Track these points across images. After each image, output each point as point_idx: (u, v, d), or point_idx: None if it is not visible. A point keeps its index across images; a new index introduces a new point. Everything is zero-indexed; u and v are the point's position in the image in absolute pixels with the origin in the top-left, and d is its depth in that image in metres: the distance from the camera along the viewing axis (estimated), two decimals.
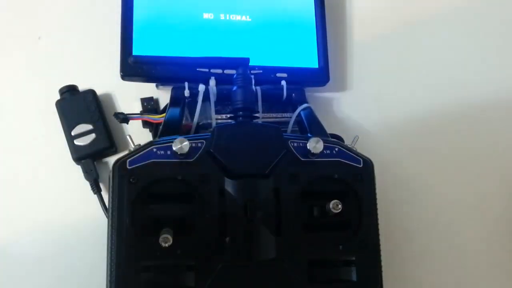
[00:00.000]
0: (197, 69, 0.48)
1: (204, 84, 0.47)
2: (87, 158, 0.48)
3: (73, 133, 0.48)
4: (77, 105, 0.49)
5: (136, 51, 0.48)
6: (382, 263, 0.42)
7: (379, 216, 0.42)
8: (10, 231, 0.47)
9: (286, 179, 0.41)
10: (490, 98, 0.57)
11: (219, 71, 0.48)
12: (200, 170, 0.40)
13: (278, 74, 0.50)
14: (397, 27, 0.59)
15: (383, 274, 0.42)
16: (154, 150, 0.40)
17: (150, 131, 0.50)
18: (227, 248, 0.39)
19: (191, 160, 0.40)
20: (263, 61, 0.50)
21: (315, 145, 0.41)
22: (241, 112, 0.44)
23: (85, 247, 0.46)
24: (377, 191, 0.43)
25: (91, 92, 0.50)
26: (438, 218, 0.52)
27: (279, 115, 0.50)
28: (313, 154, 0.41)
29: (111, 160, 0.44)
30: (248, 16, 0.51)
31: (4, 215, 0.47)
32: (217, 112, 0.48)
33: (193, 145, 0.40)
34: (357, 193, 0.42)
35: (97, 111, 0.49)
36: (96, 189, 0.47)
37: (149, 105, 0.50)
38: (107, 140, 0.49)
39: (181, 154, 0.39)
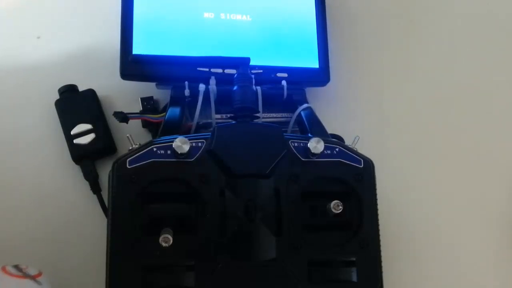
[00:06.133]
0: (197, 69, 0.48)
1: (204, 83, 0.47)
2: (87, 158, 0.48)
3: (72, 133, 0.48)
4: (76, 104, 0.49)
5: (136, 50, 0.47)
6: (382, 263, 0.42)
7: (379, 216, 0.42)
8: (10, 231, 0.47)
9: (286, 179, 0.41)
10: (490, 98, 0.57)
11: (220, 70, 0.48)
12: (200, 170, 0.40)
13: (279, 74, 0.50)
14: (398, 27, 0.59)
15: (383, 274, 0.42)
16: (154, 149, 0.40)
17: (150, 131, 0.50)
18: (227, 248, 0.39)
19: (191, 160, 0.40)
20: (264, 61, 0.50)
21: (315, 145, 0.41)
22: (241, 112, 0.44)
23: (85, 247, 0.46)
24: (377, 191, 0.43)
25: (91, 92, 0.50)
26: (438, 218, 0.52)
27: (280, 115, 0.50)
28: (314, 154, 0.41)
29: (111, 159, 0.44)
30: (248, 16, 0.51)
31: (4, 215, 0.47)
32: (217, 112, 0.48)
33: (193, 144, 0.40)
34: (358, 194, 0.42)
35: (96, 111, 0.49)
36: (96, 189, 0.47)
37: (149, 104, 0.49)
38: (107, 139, 0.49)
39: (181, 154, 0.39)
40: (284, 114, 0.51)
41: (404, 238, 0.50)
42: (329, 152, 0.42)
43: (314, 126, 0.47)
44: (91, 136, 0.48)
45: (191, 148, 0.40)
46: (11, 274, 0.38)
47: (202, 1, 0.51)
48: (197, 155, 0.40)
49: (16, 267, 0.39)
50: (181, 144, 0.39)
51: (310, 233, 0.41)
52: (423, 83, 0.57)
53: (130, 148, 0.41)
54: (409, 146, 0.54)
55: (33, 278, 0.39)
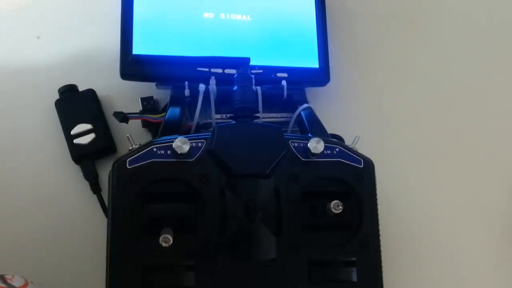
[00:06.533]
0: (197, 69, 0.48)
1: (204, 83, 0.47)
2: (87, 158, 0.48)
3: (72, 133, 0.48)
4: (76, 104, 0.49)
5: (136, 50, 0.47)
6: (382, 263, 0.42)
7: (379, 216, 0.42)
8: (10, 231, 0.47)
9: (286, 179, 0.41)
10: (490, 98, 0.57)
11: (220, 70, 0.48)
12: (200, 170, 0.40)
13: (279, 74, 0.50)
14: (398, 27, 0.59)
15: (383, 274, 0.42)
16: (154, 149, 0.40)
17: (150, 130, 0.50)
18: (227, 248, 0.39)
19: (191, 160, 0.40)
20: (264, 61, 0.50)
21: (316, 145, 0.41)
22: (241, 112, 0.44)
23: (85, 247, 0.46)
24: (377, 191, 0.43)
25: (91, 92, 0.50)
26: (438, 218, 0.52)
27: (280, 115, 0.50)
28: (314, 154, 0.41)
29: (111, 159, 0.44)
30: (248, 16, 0.51)
31: (4, 215, 0.47)
32: (217, 112, 0.48)
33: (193, 145, 0.40)
34: (358, 194, 0.42)
35: (96, 111, 0.49)
36: (96, 189, 0.47)
37: (149, 104, 0.49)
38: (107, 139, 0.49)
39: (181, 154, 0.39)
40: (284, 114, 0.51)
41: (404, 238, 0.50)
42: (329, 152, 0.42)
43: (314, 126, 0.47)
44: (91, 136, 0.48)
45: (191, 148, 0.40)
46: None
47: (202, 1, 0.51)
48: (197, 155, 0.40)
49: (2, 277, 0.38)
50: (181, 144, 0.39)
51: (310, 233, 0.41)
52: (423, 83, 0.57)
53: (130, 148, 0.41)
54: (409, 146, 0.54)
55: None
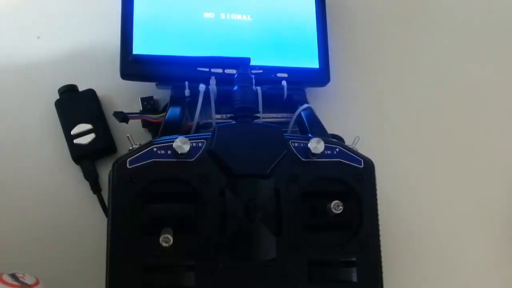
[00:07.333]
0: (198, 69, 0.48)
1: (204, 83, 0.47)
2: (87, 158, 0.48)
3: (72, 133, 0.48)
4: (76, 104, 0.49)
5: (136, 50, 0.47)
6: (382, 263, 0.42)
7: (379, 216, 0.42)
8: (10, 231, 0.47)
9: (286, 179, 0.41)
10: (490, 98, 0.57)
11: (220, 70, 0.48)
12: (200, 170, 0.40)
13: (279, 74, 0.50)
14: (398, 27, 0.59)
15: (383, 274, 0.42)
16: (154, 149, 0.40)
17: (150, 131, 0.50)
18: (227, 248, 0.39)
19: (191, 160, 0.40)
20: (264, 61, 0.50)
21: (316, 145, 0.41)
22: (241, 112, 0.44)
23: (85, 247, 0.46)
24: (377, 191, 0.43)
25: (91, 92, 0.50)
26: (438, 218, 0.52)
27: (280, 115, 0.50)
28: (314, 155, 0.41)
29: (111, 159, 0.44)
30: (248, 16, 0.51)
31: (4, 215, 0.47)
32: (217, 112, 0.48)
33: (194, 144, 0.40)
34: (358, 194, 0.42)
35: (96, 111, 0.49)
36: (96, 189, 0.47)
37: (149, 104, 0.49)
38: (107, 139, 0.49)
39: (181, 154, 0.39)
40: (284, 114, 0.51)
41: (404, 238, 0.50)
42: (329, 152, 0.42)
43: (314, 126, 0.47)
44: (91, 136, 0.48)
45: (191, 148, 0.40)
46: (7, 283, 0.38)
47: (202, 1, 0.51)
48: (197, 155, 0.40)
49: (13, 275, 0.39)
50: (181, 144, 0.39)
51: (310, 233, 0.41)
52: (423, 83, 0.57)
53: (130, 148, 0.41)
54: (409, 146, 0.54)
55: (29, 287, 0.38)
